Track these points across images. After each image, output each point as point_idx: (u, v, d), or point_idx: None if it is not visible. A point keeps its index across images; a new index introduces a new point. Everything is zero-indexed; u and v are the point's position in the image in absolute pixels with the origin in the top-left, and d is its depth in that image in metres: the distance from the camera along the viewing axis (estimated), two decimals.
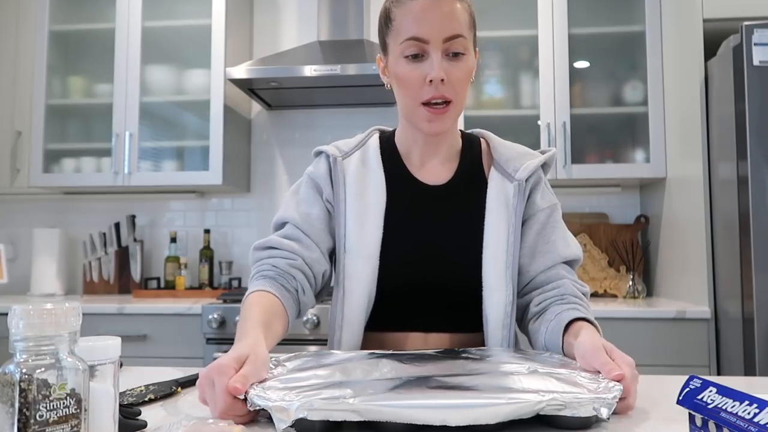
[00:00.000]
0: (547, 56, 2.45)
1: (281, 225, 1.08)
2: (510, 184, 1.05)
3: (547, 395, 0.66)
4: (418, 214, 1.06)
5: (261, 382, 0.73)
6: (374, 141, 1.11)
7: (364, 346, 1.05)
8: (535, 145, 2.41)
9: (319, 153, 1.11)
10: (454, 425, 0.63)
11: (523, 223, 1.07)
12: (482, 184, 1.07)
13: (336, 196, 1.06)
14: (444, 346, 1.04)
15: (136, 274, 2.78)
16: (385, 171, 1.07)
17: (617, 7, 2.57)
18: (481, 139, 1.14)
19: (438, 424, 0.63)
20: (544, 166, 1.10)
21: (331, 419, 0.64)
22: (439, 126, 1.00)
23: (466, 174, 1.08)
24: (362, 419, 0.64)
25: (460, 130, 1.14)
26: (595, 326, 0.95)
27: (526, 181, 1.06)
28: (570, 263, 1.08)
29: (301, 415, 0.63)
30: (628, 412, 0.75)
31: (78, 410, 0.53)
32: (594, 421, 0.69)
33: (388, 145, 1.11)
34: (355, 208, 1.05)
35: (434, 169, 1.08)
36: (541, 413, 0.65)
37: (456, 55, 0.97)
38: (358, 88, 2.54)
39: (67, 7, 2.74)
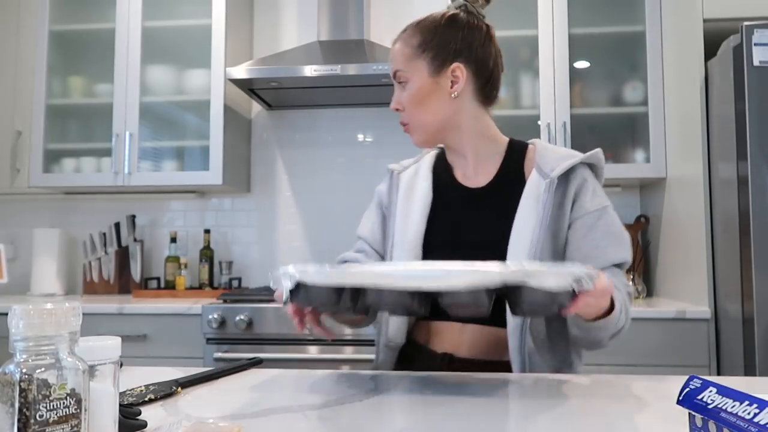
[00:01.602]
0: (547, 56, 2.45)
1: (357, 239, 1.28)
2: (543, 182, 1.10)
3: (514, 266, 0.74)
4: (457, 212, 1.17)
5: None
6: (430, 155, 1.27)
7: (411, 332, 1.17)
8: None
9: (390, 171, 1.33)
10: (426, 289, 0.74)
11: (570, 226, 1.11)
12: (520, 185, 1.13)
13: (390, 202, 1.25)
14: (479, 338, 1.10)
15: (136, 274, 2.78)
16: (434, 178, 1.21)
17: (617, 7, 2.57)
18: (530, 146, 1.20)
19: (411, 288, 0.74)
20: (594, 168, 1.15)
21: (313, 283, 0.78)
22: (413, 140, 1.18)
23: (504, 176, 1.16)
24: (334, 284, 0.77)
25: (511, 139, 1.21)
26: (616, 302, 0.97)
27: (562, 180, 1.10)
28: (619, 266, 1.11)
29: (297, 279, 0.77)
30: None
31: (78, 410, 0.53)
32: (565, 299, 0.75)
33: (441, 158, 1.25)
34: (403, 208, 1.20)
35: (476, 174, 1.18)
36: (509, 284, 0.73)
37: (402, 84, 1.15)
38: (359, 88, 2.54)
39: (67, 7, 2.74)
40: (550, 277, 0.72)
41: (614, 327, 1.01)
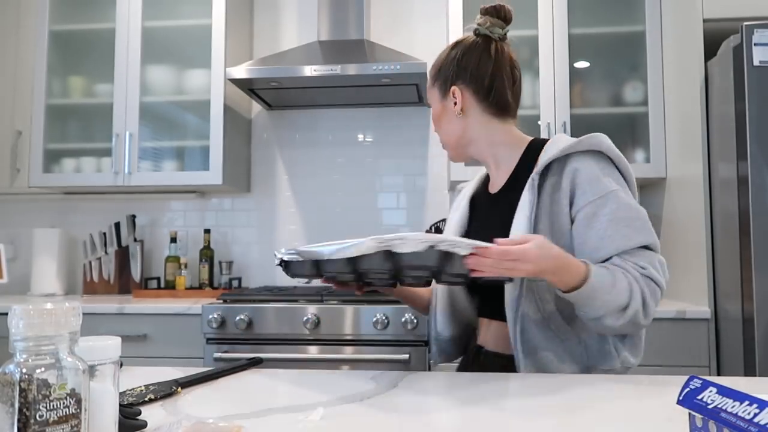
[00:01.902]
0: (547, 56, 2.45)
1: None
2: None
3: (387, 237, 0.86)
4: (480, 218, 1.27)
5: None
6: (484, 170, 1.35)
7: (456, 324, 1.29)
8: None
9: None
10: (337, 257, 0.91)
11: (573, 222, 1.08)
12: (524, 185, 1.13)
13: (450, 215, 1.38)
14: (501, 334, 1.16)
15: (136, 274, 2.78)
16: (476, 189, 1.32)
17: (617, 7, 2.57)
18: (548, 142, 1.17)
19: (326, 257, 0.93)
20: (604, 153, 1.10)
21: (289, 259, 1.04)
22: (448, 156, 1.32)
23: (513, 180, 1.20)
24: (299, 259, 1.02)
25: (534, 138, 1.23)
26: (590, 271, 0.98)
27: (557, 173, 1.09)
28: (646, 247, 1.05)
29: (279, 256, 1.07)
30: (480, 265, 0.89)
31: (78, 410, 0.53)
32: (431, 260, 0.86)
33: None
34: (451, 218, 1.34)
35: (498, 180, 1.24)
36: (382, 249, 0.85)
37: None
38: (359, 88, 2.54)
39: (67, 7, 2.73)
40: (404, 242, 0.85)
41: (601, 302, 0.97)
